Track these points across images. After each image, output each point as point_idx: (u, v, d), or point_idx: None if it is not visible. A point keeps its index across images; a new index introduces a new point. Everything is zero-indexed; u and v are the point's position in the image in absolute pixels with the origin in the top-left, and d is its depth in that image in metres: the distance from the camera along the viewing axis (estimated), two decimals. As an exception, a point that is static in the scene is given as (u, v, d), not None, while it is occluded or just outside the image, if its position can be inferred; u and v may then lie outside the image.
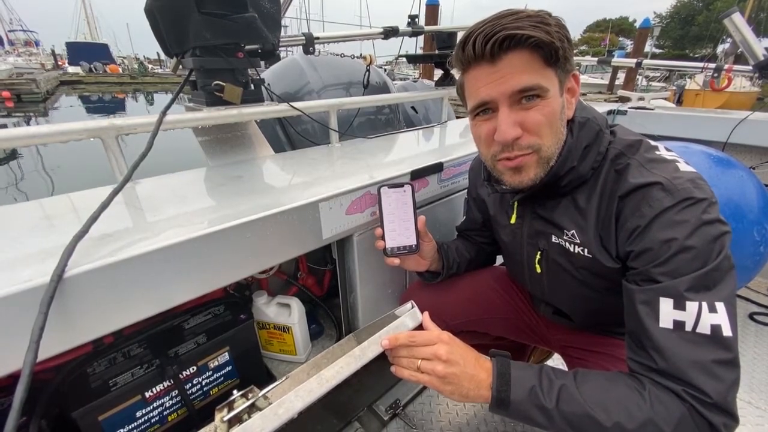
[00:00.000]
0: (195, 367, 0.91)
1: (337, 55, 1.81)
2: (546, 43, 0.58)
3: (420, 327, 0.77)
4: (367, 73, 1.62)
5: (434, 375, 0.63)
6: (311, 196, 0.85)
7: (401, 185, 0.89)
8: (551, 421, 0.59)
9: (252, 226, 0.75)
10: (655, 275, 0.57)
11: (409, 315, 0.79)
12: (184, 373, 0.89)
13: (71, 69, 25.49)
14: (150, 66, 31.66)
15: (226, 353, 0.97)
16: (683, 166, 0.61)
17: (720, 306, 0.54)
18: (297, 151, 1.35)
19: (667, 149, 0.66)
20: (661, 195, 0.58)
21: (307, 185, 0.96)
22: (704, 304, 0.53)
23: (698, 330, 0.53)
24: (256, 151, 1.23)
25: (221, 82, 1.04)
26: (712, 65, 2.60)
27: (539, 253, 0.78)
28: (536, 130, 0.63)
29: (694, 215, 0.55)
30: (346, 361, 0.71)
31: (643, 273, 0.59)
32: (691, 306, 0.54)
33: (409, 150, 1.40)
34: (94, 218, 0.64)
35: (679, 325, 0.54)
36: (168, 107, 0.97)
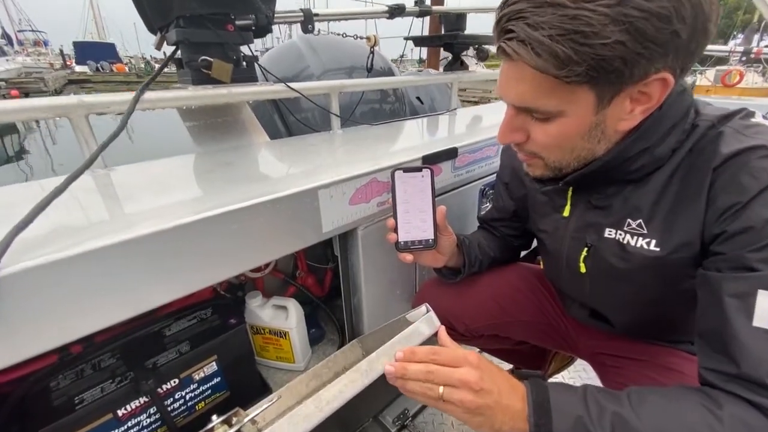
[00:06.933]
0: (177, 380, 0.80)
1: (338, 35, 1.68)
2: (561, 65, 0.44)
3: (435, 337, 0.66)
4: (371, 55, 1.50)
5: (462, 406, 0.51)
6: (309, 183, 0.74)
7: (419, 169, 0.77)
8: None
9: (239, 215, 0.64)
10: (751, 262, 0.45)
11: (425, 321, 0.67)
12: (163, 387, 0.78)
13: (79, 68, 25.72)
14: (156, 65, 31.80)
15: (214, 363, 0.86)
16: None
17: None
18: (295, 137, 1.25)
19: None
20: (767, 163, 0.46)
21: (306, 173, 0.85)
22: None
23: None
24: (250, 137, 1.13)
25: (209, 58, 0.93)
26: (740, 49, 2.47)
27: (585, 249, 0.66)
28: (538, 147, 0.57)
29: None
30: (351, 377, 0.60)
31: (734, 259, 0.47)
32: None
33: (417, 137, 1.28)
34: (41, 207, 0.52)
35: None
36: (147, 84, 0.85)
